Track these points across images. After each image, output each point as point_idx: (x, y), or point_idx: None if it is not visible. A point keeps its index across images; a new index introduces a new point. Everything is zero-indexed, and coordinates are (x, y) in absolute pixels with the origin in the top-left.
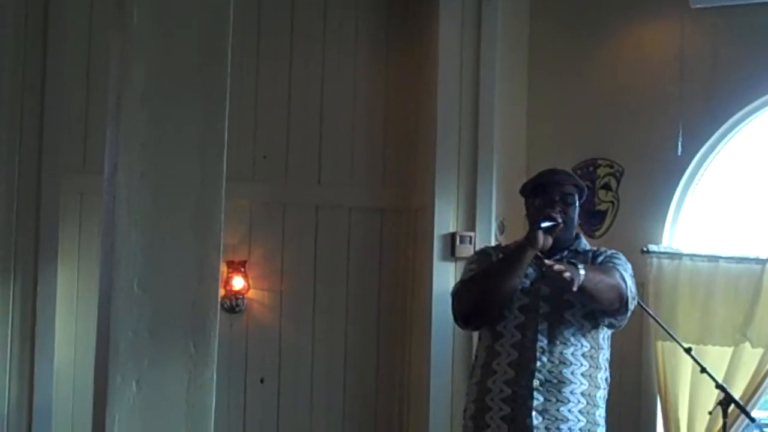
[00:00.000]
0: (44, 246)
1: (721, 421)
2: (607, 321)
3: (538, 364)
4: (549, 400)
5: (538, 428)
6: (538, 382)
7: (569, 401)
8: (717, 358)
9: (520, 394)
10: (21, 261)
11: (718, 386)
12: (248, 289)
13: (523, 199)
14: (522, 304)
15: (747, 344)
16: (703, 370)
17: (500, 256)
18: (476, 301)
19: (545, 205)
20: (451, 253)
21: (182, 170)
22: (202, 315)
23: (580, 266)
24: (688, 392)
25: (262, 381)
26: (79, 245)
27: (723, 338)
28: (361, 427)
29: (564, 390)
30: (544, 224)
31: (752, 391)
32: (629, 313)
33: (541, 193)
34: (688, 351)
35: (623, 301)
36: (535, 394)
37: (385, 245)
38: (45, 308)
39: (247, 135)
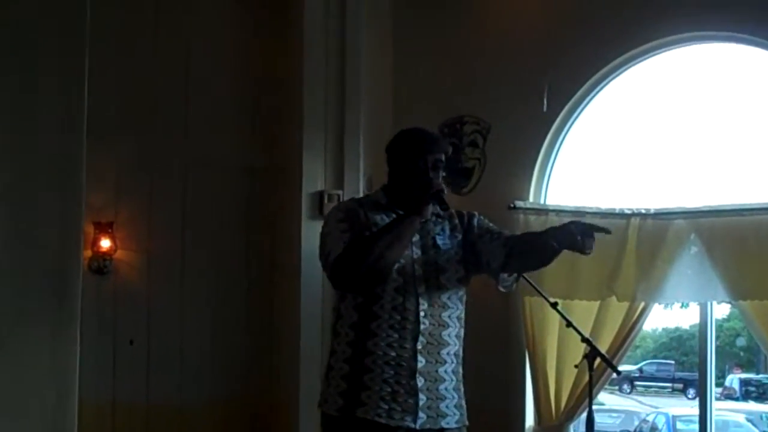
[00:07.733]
0: None
1: (587, 375)
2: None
3: (422, 326)
4: (429, 362)
5: (422, 390)
6: (421, 344)
7: (445, 362)
8: (584, 312)
9: (404, 356)
10: None
11: (584, 340)
12: (116, 250)
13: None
14: (399, 267)
15: (613, 298)
16: (569, 324)
17: (366, 213)
18: (365, 270)
19: (428, 173)
20: (319, 211)
21: (42, 139)
22: (65, 275)
23: None
24: (556, 347)
25: (131, 342)
26: None
27: (589, 293)
28: (233, 387)
29: (441, 352)
30: (443, 195)
31: (619, 344)
32: None
33: (425, 157)
34: (554, 306)
35: None
36: (419, 356)
37: (253, 205)
38: None
39: (111, 95)
